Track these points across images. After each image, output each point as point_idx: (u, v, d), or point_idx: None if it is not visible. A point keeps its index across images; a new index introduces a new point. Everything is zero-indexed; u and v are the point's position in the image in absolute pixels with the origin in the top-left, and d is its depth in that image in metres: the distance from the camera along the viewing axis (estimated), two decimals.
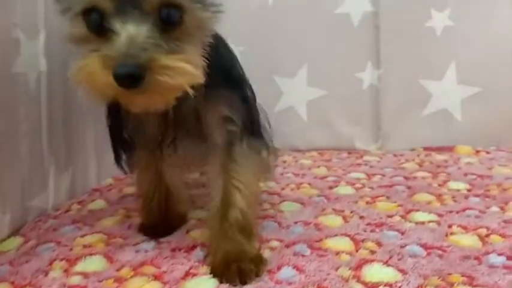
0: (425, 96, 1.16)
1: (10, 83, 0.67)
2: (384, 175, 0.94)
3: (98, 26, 0.49)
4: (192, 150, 0.72)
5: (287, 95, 1.21)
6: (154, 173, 0.71)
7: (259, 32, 1.17)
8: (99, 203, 0.82)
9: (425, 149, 1.15)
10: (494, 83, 1.12)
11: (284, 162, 1.09)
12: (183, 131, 0.63)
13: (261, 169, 0.69)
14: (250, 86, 0.72)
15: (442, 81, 1.14)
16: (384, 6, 1.12)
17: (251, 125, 0.67)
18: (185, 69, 0.48)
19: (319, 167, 1.03)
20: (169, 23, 0.49)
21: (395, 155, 1.12)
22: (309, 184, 0.89)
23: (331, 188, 0.86)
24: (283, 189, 0.86)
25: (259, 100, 0.80)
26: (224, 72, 0.64)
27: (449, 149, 1.13)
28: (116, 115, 0.64)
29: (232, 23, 1.04)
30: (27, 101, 0.71)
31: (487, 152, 1.09)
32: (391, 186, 0.85)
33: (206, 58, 0.53)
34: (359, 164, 1.04)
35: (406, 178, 0.91)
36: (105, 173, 0.98)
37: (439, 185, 0.85)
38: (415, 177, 0.91)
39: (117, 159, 0.69)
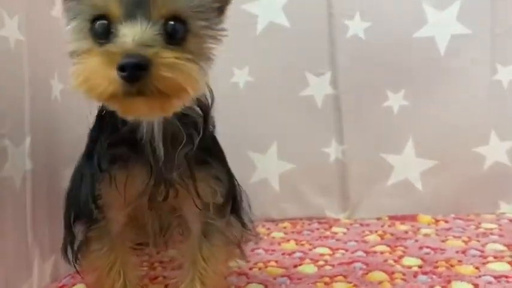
0: (387, 169, 1.25)
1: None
2: (346, 250, 1.01)
3: (104, 35, 0.51)
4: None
5: (260, 169, 1.30)
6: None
7: (232, 112, 1.27)
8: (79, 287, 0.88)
9: (390, 217, 1.23)
10: (449, 156, 1.21)
11: (258, 234, 1.16)
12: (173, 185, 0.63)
13: (233, 252, 0.75)
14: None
15: (402, 155, 1.24)
16: (343, 89, 1.23)
17: (233, 202, 0.70)
18: (190, 69, 0.50)
19: (289, 241, 1.10)
20: (174, 37, 0.51)
21: (361, 225, 1.20)
22: (276, 262, 0.96)
23: (295, 266, 0.93)
24: (251, 269, 0.92)
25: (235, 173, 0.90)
26: (212, 141, 0.68)
27: (411, 217, 1.20)
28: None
29: None
30: (13, 201, 0.79)
31: (446, 221, 1.17)
32: (350, 263, 0.92)
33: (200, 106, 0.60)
34: (326, 237, 1.12)
35: (366, 253, 0.99)
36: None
37: (395, 261, 0.92)
38: (374, 252, 0.99)
39: (67, 246, 0.67)
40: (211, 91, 0.66)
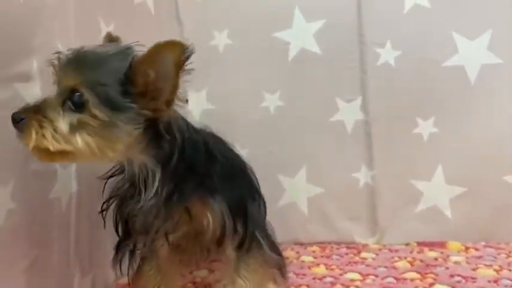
0: (416, 195, 1.26)
1: (47, 209, 0.79)
2: (376, 276, 1.02)
3: None
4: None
5: (289, 192, 1.32)
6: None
7: (262, 135, 1.30)
8: None
9: (418, 244, 1.23)
10: (479, 184, 1.21)
11: (287, 258, 1.17)
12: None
13: (272, 274, 0.85)
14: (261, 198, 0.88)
15: (432, 182, 1.24)
16: (373, 115, 1.25)
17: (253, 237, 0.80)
18: (56, 132, 0.63)
19: (318, 265, 1.11)
20: (76, 106, 0.64)
21: (390, 250, 1.21)
22: (308, 286, 0.97)
23: None
24: None
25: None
26: (223, 177, 0.78)
27: (440, 244, 1.20)
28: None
29: (240, 130, 1.19)
30: (59, 221, 0.83)
31: (476, 249, 1.17)
32: None
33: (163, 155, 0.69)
34: (356, 262, 1.13)
35: (396, 279, 0.99)
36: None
37: None
38: (404, 279, 0.99)
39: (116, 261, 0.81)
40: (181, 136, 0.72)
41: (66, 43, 0.84)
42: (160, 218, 0.74)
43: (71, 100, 0.64)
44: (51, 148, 0.62)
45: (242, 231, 0.78)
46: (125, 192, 0.75)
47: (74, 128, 0.63)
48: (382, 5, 1.24)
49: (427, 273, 1.01)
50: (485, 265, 1.05)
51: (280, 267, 0.88)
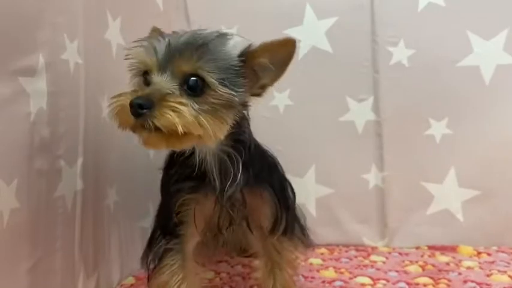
0: (427, 197, 1.23)
1: (52, 208, 0.77)
2: (388, 280, 1.00)
3: (147, 84, 0.66)
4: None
5: (297, 193, 1.29)
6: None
7: (271, 134, 1.27)
8: None
9: (429, 247, 1.20)
10: (492, 187, 1.18)
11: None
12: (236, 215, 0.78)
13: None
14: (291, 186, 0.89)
15: (443, 184, 1.21)
16: (385, 116, 1.22)
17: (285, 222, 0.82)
18: (184, 114, 0.61)
19: (327, 268, 1.09)
20: (193, 90, 0.64)
21: (400, 254, 1.18)
22: None
23: None
24: None
25: None
26: (269, 170, 0.83)
27: (452, 249, 1.18)
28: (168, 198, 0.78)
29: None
30: (64, 219, 0.81)
31: (488, 254, 1.14)
32: None
33: (241, 145, 0.73)
34: (366, 266, 1.10)
35: (408, 284, 0.97)
36: (126, 272, 1.05)
37: None
38: (417, 284, 0.97)
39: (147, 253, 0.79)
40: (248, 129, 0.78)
41: (73, 38, 0.82)
42: (237, 207, 0.77)
43: (188, 85, 0.64)
44: (184, 129, 0.61)
45: (285, 221, 0.81)
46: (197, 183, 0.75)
47: (198, 112, 0.63)
48: (396, 2, 1.21)
49: (439, 279, 0.99)
50: (499, 271, 1.02)
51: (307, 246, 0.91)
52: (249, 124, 0.77)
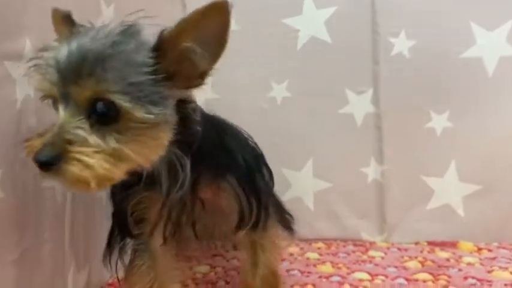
0: (428, 192, 1.20)
1: (39, 198, 0.74)
2: (386, 276, 0.97)
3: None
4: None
5: (294, 186, 1.27)
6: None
7: (267, 126, 1.25)
8: None
9: (429, 243, 1.18)
10: (494, 182, 1.16)
11: (291, 255, 1.13)
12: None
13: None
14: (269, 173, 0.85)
15: (444, 178, 1.19)
16: (385, 108, 1.19)
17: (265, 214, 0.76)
18: (93, 165, 0.52)
19: (324, 263, 1.07)
20: (105, 116, 0.53)
21: (399, 249, 1.15)
22: (314, 286, 0.93)
23: None
24: None
25: None
26: (232, 160, 0.73)
27: (452, 244, 1.15)
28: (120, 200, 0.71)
29: (244, 121, 1.14)
30: (53, 211, 0.78)
31: (489, 250, 1.11)
32: None
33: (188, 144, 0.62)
34: (364, 261, 1.08)
35: (408, 280, 0.95)
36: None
37: None
38: (416, 280, 0.95)
39: (108, 253, 0.74)
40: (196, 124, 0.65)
41: None
42: (187, 208, 0.70)
43: (96, 112, 0.53)
44: (97, 182, 0.53)
45: (257, 209, 0.73)
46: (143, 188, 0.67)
47: (118, 144, 0.54)
48: None
49: (439, 275, 0.96)
50: (500, 267, 1.00)
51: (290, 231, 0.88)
52: (197, 116, 0.64)
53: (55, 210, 0.79)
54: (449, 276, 0.96)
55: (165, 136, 0.58)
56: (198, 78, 0.59)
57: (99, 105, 0.53)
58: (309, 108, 1.23)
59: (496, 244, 1.15)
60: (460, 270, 0.99)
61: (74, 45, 0.54)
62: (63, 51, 0.54)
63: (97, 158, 0.52)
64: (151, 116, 0.54)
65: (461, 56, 1.14)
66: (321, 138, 1.24)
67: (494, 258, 1.06)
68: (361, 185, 1.23)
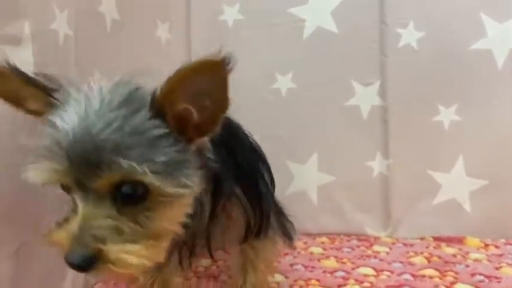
0: (434, 187, 1.18)
1: (38, 191, 0.72)
2: (392, 272, 0.95)
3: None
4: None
5: (298, 180, 1.25)
6: None
7: (272, 119, 1.23)
8: None
9: (435, 238, 1.16)
10: (502, 177, 1.13)
11: (294, 249, 1.10)
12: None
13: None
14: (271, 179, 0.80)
15: (451, 173, 1.16)
16: (392, 101, 1.17)
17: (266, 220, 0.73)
18: (132, 261, 0.48)
19: (328, 257, 1.05)
20: (131, 197, 0.49)
21: (404, 245, 1.13)
22: (318, 281, 0.91)
23: (339, 286, 0.87)
24: (291, 286, 0.88)
25: None
26: (237, 169, 0.68)
27: (458, 240, 1.13)
28: None
29: (248, 113, 1.11)
30: (53, 206, 0.76)
31: (496, 246, 1.09)
32: (398, 287, 0.87)
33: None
34: (368, 256, 1.06)
35: (414, 276, 0.93)
36: None
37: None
38: (422, 276, 0.93)
39: None
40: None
41: (63, 8, 0.77)
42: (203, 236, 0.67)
43: (122, 196, 0.49)
44: (149, 261, 0.50)
45: (259, 219, 0.70)
46: None
47: (150, 221, 0.50)
48: None
49: (446, 271, 0.94)
50: (508, 264, 0.98)
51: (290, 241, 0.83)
52: (210, 152, 0.59)
53: (54, 205, 0.76)
54: (456, 273, 0.93)
55: (193, 195, 0.55)
56: (210, 125, 0.52)
57: (125, 188, 0.49)
58: (314, 100, 1.21)
59: (503, 240, 1.13)
60: (467, 266, 0.97)
61: (78, 126, 0.49)
62: (67, 134, 0.49)
63: (135, 249, 0.48)
64: (182, 190, 0.50)
65: (470, 48, 1.12)
66: (326, 130, 1.22)
67: (501, 255, 1.04)
68: (366, 179, 1.21)
